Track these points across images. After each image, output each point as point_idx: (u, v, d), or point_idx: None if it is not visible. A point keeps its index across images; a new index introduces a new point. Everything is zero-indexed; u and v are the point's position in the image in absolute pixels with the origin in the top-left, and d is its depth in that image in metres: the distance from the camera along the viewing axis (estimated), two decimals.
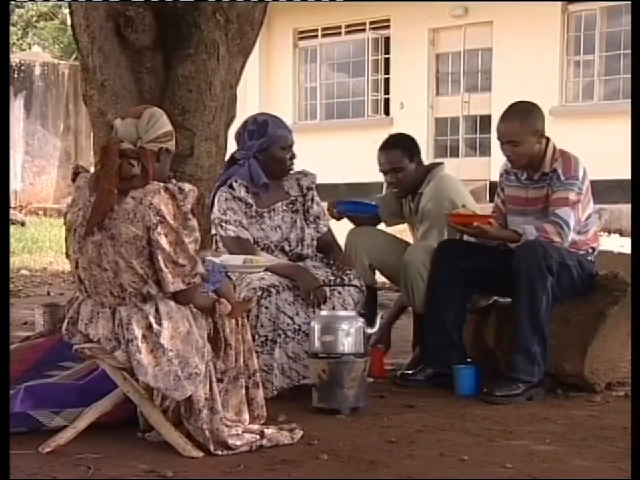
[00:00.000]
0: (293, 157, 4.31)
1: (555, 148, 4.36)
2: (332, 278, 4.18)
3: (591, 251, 4.40)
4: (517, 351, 4.10)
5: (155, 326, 3.14)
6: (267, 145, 4.23)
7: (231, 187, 4.23)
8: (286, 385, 4.02)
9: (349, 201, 4.90)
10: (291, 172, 4.37)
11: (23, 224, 13.24)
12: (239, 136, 4.34)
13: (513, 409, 3.93)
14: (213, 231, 4.24)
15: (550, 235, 4.21)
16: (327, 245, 4.38)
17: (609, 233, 10.51)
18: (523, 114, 4.34)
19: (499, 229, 4.39)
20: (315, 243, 4.34)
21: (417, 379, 4.39)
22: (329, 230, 4.43)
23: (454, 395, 4.18)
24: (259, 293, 3.98)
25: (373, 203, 4.91)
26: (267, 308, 3.99)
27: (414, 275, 4.47)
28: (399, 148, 4.70)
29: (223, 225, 4.17)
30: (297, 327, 4.05)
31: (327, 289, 4.11)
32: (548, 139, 4.35)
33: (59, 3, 22.58)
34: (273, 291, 4.02)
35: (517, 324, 4.12)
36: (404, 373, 4.50)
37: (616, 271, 4.31)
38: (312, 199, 4.38)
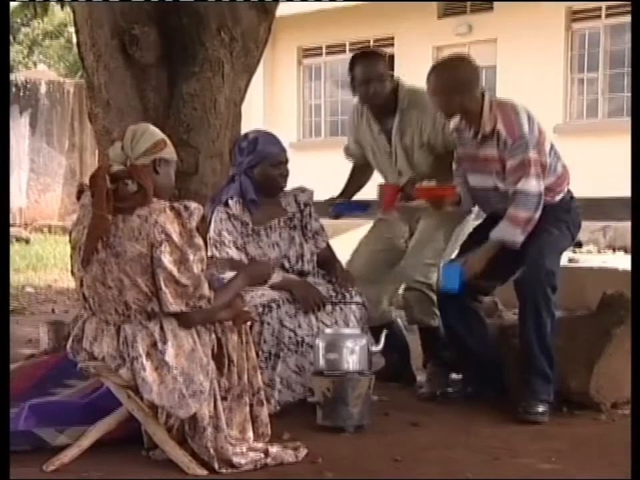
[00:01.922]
0: (284, 174, 4.28)
1: (492, 103, 4.17)
2: (333, 294, 4.17)
3: (566, 191, 4.31)
4: (533, 373, 4.06)
5: (159, 344, 3.14)
6: (256, 161, 4.23)
7: (226, 204, 4.24)
8: (292, 398, 4.01)
9: (344, 202, 4.87)
10: (286, 189, 4.37)
11: (27, 241, 13.24)
12: (231, 153, 4.38)
13: (518, 426, 3.92)
14: (209, 252, 4.22)
15: (524, 220, 4.08)
16: (326, 261, 4.38)
17: (614, 250, 10.49)
18: (461, 66, 4.22)
19: (479, 254, 4.19)
20: (314, 258, 4.34)
21: (459, 396, 4.41)
22: (328, 245, 4.43)
23: (459, 411, 4.17)
24: (260, 309, 3.98)
25: (365, 201, 4.84)
26: (268, 324, 3.99)
27: (416, 296, 4.53)
28: (381, 58, 4.64)
29: (218, 246, 4.18)
30: (299, 340, 4.04)
31: (329, 305, 4.11)
32: (483, 94, 4.16)
33: (65, 21, 22.67)
34: (274, 305, 4.02)
35: (526, 345, 4.10)
36: (445, 391, 4.47)
37: (621, 290, 4.29)
38: (310, 215, 4.38)
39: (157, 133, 3.30)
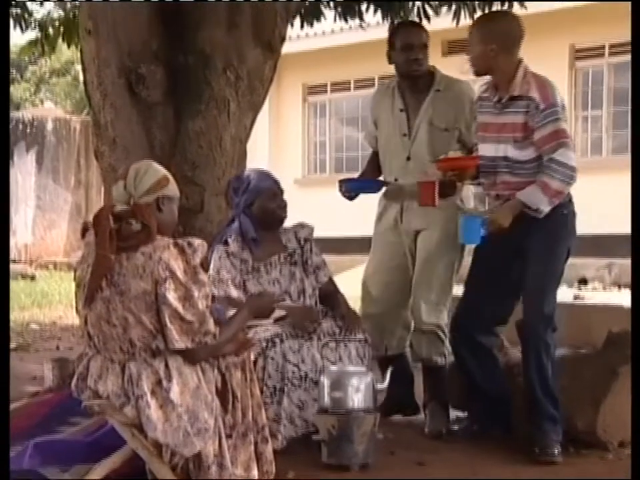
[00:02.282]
0: (282, 205, 4.32)
1: (526, 69, 4.08)
2: (337, 330, 4.17)
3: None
4: (540, 416, 4.03)
5: (164, 381, 3.13)
6: (253, 198, 4.28)
7: (226, 243, 4.28)
8: (295, 433, 3.99)
9: (356, 179, 4.81)
10: (286, 225, 4.39)
11: (32, 278, 13.24)
12: (227, 196, 4.42)
13: (524, 465, 3.89)
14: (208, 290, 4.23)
15: (556, 191, 3.95)
16: (329, 296, 4.38)
17: (619, 287, 10.46)
18: (493, 20, 4.21)
19: (506, 209, 4.06)
20: (316, 293, 4.34)
21: (465, 434, 4.38)
22: (330, 280, 4.43)
23: (466, 450, 4.14)
24: (264, 344, 3.97)
25: (380, 179, 4.77)
26: (272, 358, 3.99)
27: (425, 336, 4.54)
28: (425, 30, 4.65)
29: (216, 284, 4.19)
30: (302, 375, 4.03)
31: (333, 341, 4.10)
32: (520, 60, 4.10)
33: (71, 59, 22.83)
34: (277, 340, 4.02)
35: (530, 388, 4.08)
36: (450, 429, 4.45)
37: (627, 329, 4.27)
38: (310, 250, 4.39)
39: (160, 170, 3.31)
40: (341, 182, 4.64)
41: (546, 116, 3.96)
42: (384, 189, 4.69)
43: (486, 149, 4.18)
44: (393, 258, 4.67)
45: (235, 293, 4.17)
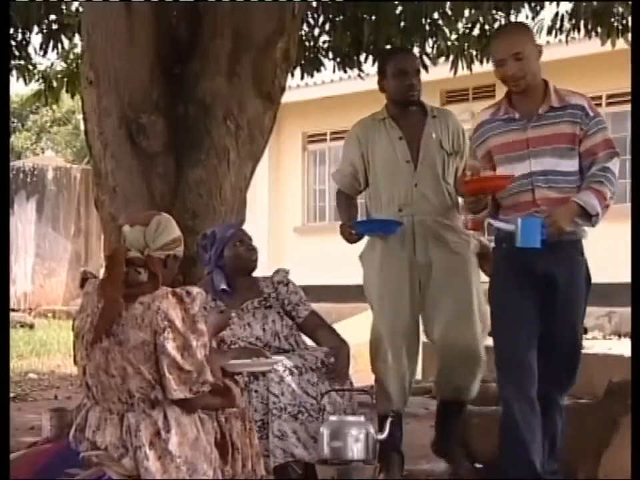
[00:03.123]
0: (250, 248, 4.34)
1: (558, 87, 3.91)
2: (319, 365, 4.15)
3: None
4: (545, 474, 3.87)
5: (163, 432, 3.11)
6: (221, 248, 4.32)
7: (193, 298, 4.26)
8: (273, 463, 3.94)
9: (366, 220, 4.58)
10: (266, 274, 4.41)
11: (31, 326, 13.22)
12: (198, 257, 4.44)
13: None
14: (206, 339, 4.26)
15: (606, 198, 3.75)
16: (315, 329, 4.34)
17: (619, 336, 10.44)
18: (523, 27, 4.00)
19: (563, 210, 3.74)
20: (295, 333, 4.33)
21: None
22: (313, 313, 4.38)
23: None
24: (247, 378, 3.96)
25: (394, 219, 4.43)
26: (256, 391, 3.98)
27: (463, 368, 4.39)
28: (416, 57, 4.64)
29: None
30: (282, 407, 4.01)
31: (315, 377, 4.08)
32: (546, 81, 3.89)
33: (73, 108, 23.01)
34: (259, 374, 4.01)
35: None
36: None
37: (628, 379, 4.25)
38: (287, 291, 4.37)
39: (177, 229, 3.34)
40: (349, 224, 4.44)
41: (597, 123, 3.81)
42: (399, 229, 4.39)
43: (516, 168, 3.84)
44: (406, 302, 4.43)
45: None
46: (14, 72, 7.00)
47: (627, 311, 10.76)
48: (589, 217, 3.75)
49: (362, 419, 3.97)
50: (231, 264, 4.32)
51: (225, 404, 3.30)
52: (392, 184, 4.47)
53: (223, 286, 4.29)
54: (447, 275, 4.40)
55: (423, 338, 4.60)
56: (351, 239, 4.45)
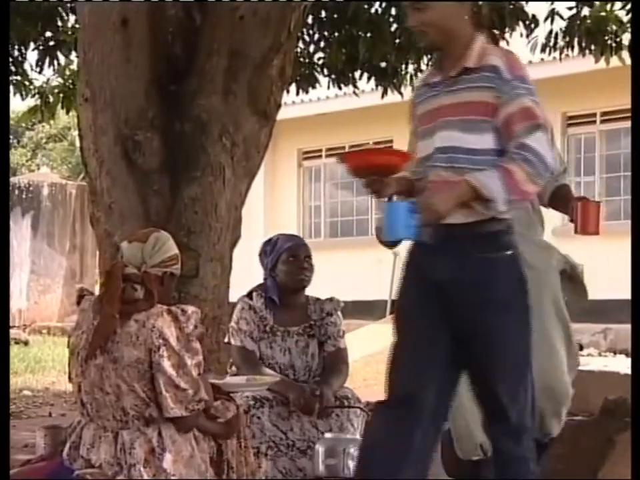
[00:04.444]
0: (303, 267, 4.32)
1: (488, 44, 3.04)
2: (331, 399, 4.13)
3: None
4: None
5: (157, 450, 3.11)
6: (276, 259, 4.35)
7: (250, 296, 4.34)
8: None
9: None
10: (319, 298, 4.39)
11: (26, 343, 13.18)
12: (259, 258, 4.49)
13: None
14: (226, 339, 4.33)
15: (522, 185, 2.84)
16: (327, 366, 4.30)
17: (615, 353, 10.44)
18: None
19: (446, 192, 2.89)
20: (321, 366, 4.31)
21: None
22: (339, 350, 4.33)
23: None
24: (252, 402, 3.95)
25: None
26: (259, 418, 3.97)
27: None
28: None
29: (234, 333, 4.25)
30: (289, 443, 4.00)
31: (325, 408, 4.06)
32: (478, 31, 3.05)
33: (68, 125, 23.04)
34: (266, 402, 4.01)
35: None
36: None
37: (624, 396, 4.26)
38: (329, 322, 4.35)
39: (174, 247, 3.34)
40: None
41: (514, 87, 2.91)
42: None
43: (427, 144, 3.06)
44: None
45: (250, 345, 4.22)
46: (10, 87, 7.01)
47: (622, 327, 10.80)
48: (487, 202, 2.86)
49: (357, 436, 3.97)
50: (281, 277, 4.33)
51: (223, 433, 3.29)
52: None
53: (273, 295, 4.31)
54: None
55: None
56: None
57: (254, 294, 4.34)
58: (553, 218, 15.15)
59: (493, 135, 2.96)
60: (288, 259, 4.33)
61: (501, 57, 2.96)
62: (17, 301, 15.44)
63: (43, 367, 10.91)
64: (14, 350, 11.76)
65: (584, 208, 3.57)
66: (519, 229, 3.25)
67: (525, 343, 2.98)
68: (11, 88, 7.06)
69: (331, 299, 4.43)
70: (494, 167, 2.89)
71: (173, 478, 3.09)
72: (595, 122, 12.92)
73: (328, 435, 3.94)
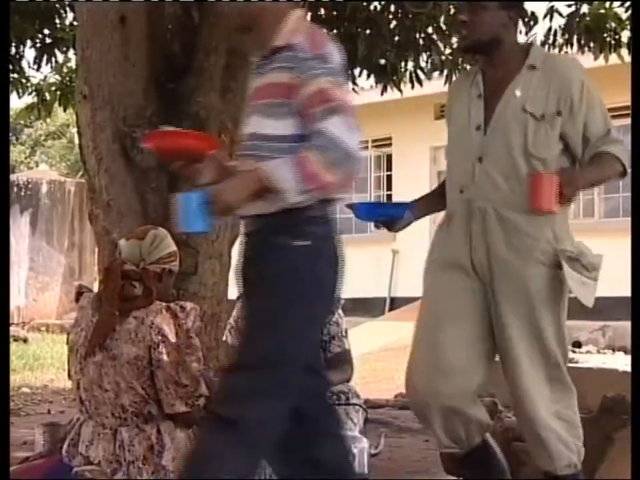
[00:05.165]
0: None
1: (300, 18, 2.80)
2: (329, 395, 4.11)
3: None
4: None
5: (156, 447, 3.11)
6: None
7: None
8: None
9: (371, 203, 3.68)
10: None
11: (25, 340, 13.19)
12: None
13: None
14: (224, 337, 4.28)
15: (316, 173, 2.59)
16: (332, 366, 4.16)
17: (613, 350, 10.45)
18: None
19: (235, 181, 2.69)
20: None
21: None
22: (344, 351, 4.26)
23: None
24: None
25: (405, 202, 3.44)
26: None
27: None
28: None
29: (231, 331, 4.22)
30: None
31: None
32: (294, 9, 2.81)
33: (67, 122, 23.03)
34: None
35: None
36: None
37: (623, 394, 4.25)
38: (330, 320, 4.23)
39: (173, 244, 3.35)
40: (352, 206, 3.41)
41: (311, 67, 2.66)
42: (407, 214, 3.35)
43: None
44: (460, 310, 3.26)
45: None
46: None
47: (620, 324, 10.81)
48: (277, 193, 2.63)
49: (356, 433, 3.97)
50: None
51: None
52: (455, 158, 3.37)
53: None
54: (514, 297, 3.21)
55: None
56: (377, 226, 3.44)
57: None
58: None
59: (294, 120, 2.71)
60: None
61: (305, 34, 2.72)
62: (16, 299, 15.44)
63: (42, 364, 10.92)
64: (13, 347, 11.76)
65: (536, 180, 3.08)
66: (522, 216, 3.16)
67: (278, 340, 2.67)
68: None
69: None
70: (291, 154, 2.64)
71: (171, 475, 3.08)
72: None
73: None
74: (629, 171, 3.32)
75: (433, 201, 3.52)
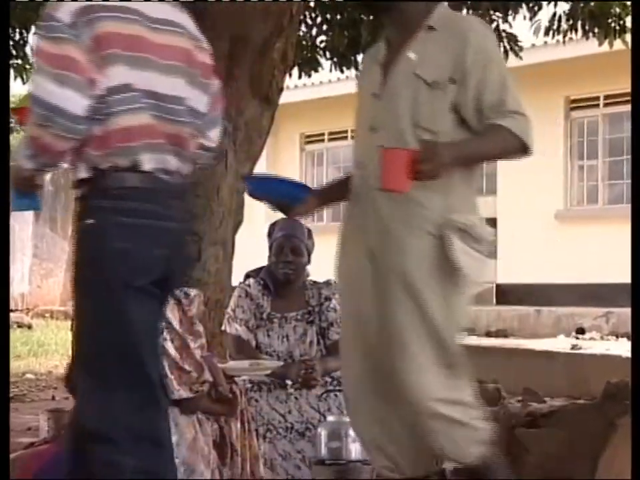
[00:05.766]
0: (288, 261, 4.18)
1: None
2: (329, 380, 4.11)
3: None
4: None
5: None
6: (270, 247, 4.27)
7: (248, 283, 4.25)
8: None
9: (266, 177, 3.43)
10: (316, 281, 4.30)
11: (29, 327, 13.22)
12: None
13: None
14: (222, 327, 4.26)
15: (39, 139, 2.47)
16: (332, 353, 4.15)
17: (617, 337, 10.44)
18: None
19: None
20: (323, 353, 4.24)
21: None
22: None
23: None
24: (249, 385, 3.95)
25: (302, 184, 3.33)
26: (256, 401, 3.96)
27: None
28: None
29: (230, 321, 4.18)
30: (288, 426, 4.00)
31: (324, 392, 4.05)
32: None
33: None
34: (264, 387, 4.00)
35: None
36: None
37: (626, 380, 4.26)
38: (328, 307, 4.25)
39: None
40: (245, 180, 3.40)
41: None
42: (305, 195, 3.10)
43: None
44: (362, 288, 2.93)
45: (245, 335, 4.15)
46: (11, 71, 7.00)
47: (624, 311, 10.79)
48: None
49: None
50: (272, 267, 4.23)
51: (226, 412, 3.30)
52: (359, 127, 3.08)
53: (269, 283, 4.21)
54: (399, 271, 2.85)
55: None
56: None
57: (252, 280, 4.25)
58: (555, 200, 15.13)
59: None
60: (276, 249, 4.21)
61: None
62: (20, 285, 15.48)
63: (46, 350, 10.95)
64: (17, 334, 11.80)
65: (386, 157, 2.72)
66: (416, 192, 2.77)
67: (84, 325, 2.59)
68: (12, 72, 7.04)
69: (327, 282, 4.30)
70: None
71: (176, 461, 3.09)
72: (598, 105, 12.88)
73: (330, 418, 3.94)
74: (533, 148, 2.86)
75: (341, 188, 3.09)
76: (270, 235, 4.32)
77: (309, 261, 4.31)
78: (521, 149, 2.87)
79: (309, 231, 4.35)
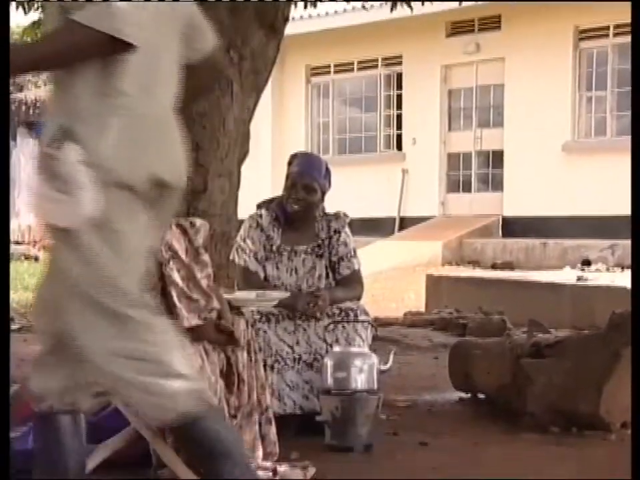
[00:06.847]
0: (298, 197, 4.16)
1: None
2: (337, 311, 4.10)
3: None
4: None
5: None
6: (285, 178, 4.25)
7: (260, 213, 4.24)
8: (282, 411, 3.92)
9: None
10: (327, 213, 4.29)
11: (36, 259, 13.28)
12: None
13: (527, 447, 3.90)
14: (231, 256, 4.26)
15: None
16: (342, 287, 4.20)
17: (622, 268, 10.46)
18: None
19: None
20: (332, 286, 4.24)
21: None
22: (354, 272, 4.24)
23: (469, 430, 4.14)
24: (257, 316, 3.97)
25: None
26: (265, 332, 3.97)
27: None
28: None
29: (239, 251, 4.19)
30: (296, 357, 4.02)
31: (332, 324, 4.04)
32: None
33: None
34: (272, 318, 4.01)
35: None
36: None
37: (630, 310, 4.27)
38: (338, 241, 4.23)
39: None
40: None
41: None
42: None
43: None
44: None
45: (253, 266, 4.15)
46: (13, 2, 6.91)
47: (630, 243, 10.78)
48: None
49: (366, 349, 4.00)
50: (284, 199, 4.21)
51: (229, 342, 3.32)
52: None
53: (280, 215, 4.19)
54: None
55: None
56: None
57: (263, 211, 4.23)
58: (563, 132, 15.07)
59: None
60: (289, 184, 4.18)
61: None
62: (26, 218, 15.50)
63: None
64: (24, 265, 11.86)
65: None
66: None
67: None
68: (13, 3, 6.95)
69: (337, 215, 4.29)
70: None
71: None
72: (607, 35, 12.73)
73: (337, 349, 3.97)
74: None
75: None
76: (289, 165, 4.28)
77: (322, 199, 4.25)
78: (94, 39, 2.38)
79: (328, 169, 4.29)
